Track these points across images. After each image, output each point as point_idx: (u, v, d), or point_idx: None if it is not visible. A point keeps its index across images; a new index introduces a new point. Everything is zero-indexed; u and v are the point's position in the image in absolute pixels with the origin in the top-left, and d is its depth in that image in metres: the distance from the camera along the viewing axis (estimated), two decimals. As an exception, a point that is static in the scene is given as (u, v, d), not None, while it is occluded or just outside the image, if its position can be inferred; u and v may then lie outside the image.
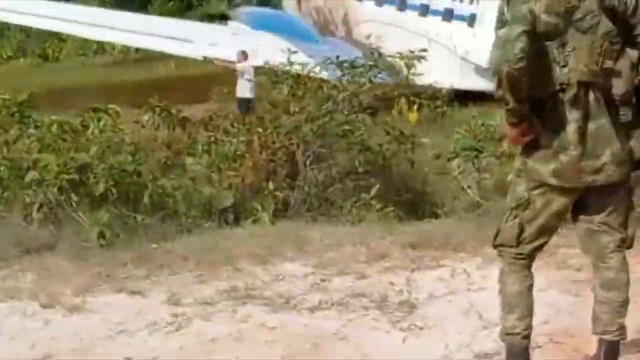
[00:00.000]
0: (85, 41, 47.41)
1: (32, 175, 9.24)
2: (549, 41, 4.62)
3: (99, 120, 9.92)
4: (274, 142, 10.57)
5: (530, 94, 4.61)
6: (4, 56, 47.56)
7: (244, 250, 8.25)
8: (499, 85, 4.56)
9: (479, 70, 25.83)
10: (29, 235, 9.10)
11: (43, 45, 47.71)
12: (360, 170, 10.60)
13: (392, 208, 9.87)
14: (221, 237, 8.89)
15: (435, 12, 27.63)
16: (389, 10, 29.25)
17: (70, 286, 7.50)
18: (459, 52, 26.05)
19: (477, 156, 10.09)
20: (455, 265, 7.54)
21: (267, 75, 12.54)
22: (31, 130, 10.13)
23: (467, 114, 22.27)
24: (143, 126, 10.73)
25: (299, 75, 12.39)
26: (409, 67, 17.33)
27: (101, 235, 8.99)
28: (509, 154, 9.32)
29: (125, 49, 48.16)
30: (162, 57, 40.88)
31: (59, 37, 47.16)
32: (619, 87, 4.68)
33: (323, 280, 7.40)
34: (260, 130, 10.62)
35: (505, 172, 9.51)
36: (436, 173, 10.66)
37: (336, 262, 7.83)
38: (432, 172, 10.97)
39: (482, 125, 10.71)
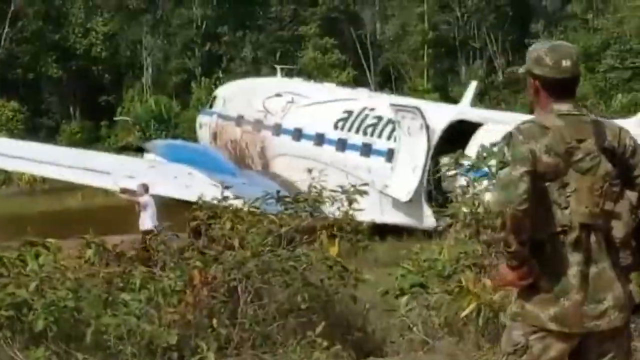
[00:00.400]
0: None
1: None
2: (549, 182, 4.54)
3: (37, 255, 9.54)
4: (215, 278, 10.29)
5: (530, 236, 4.51)
6: None
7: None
8: (502, 227, 4.44)
9: (396, 203, 26.00)
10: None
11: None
12: (302, 306, 10.34)
13: (339, 346, 9.61)
14: (168, 378, 8.55)
15: (353, 147, 27.84)
16: (307, 144, 29.39)
17: None
18: (377, 186, 26.11)
19: (422, 293, 9.92)
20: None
21: (203, 209, 12.30)
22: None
23: (386, 247, 22.37)
24: (86, 261, 10.30)
25: (238, 209, 12.24)
26: (350, 201, 17.25)
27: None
28: (458, 292, 9.20)
29: (33, 180, 47.87)
30: (70, 188, 40.91)
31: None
32: (619, 229, 4.60)
33: None
34: (199, 264, 10.35)
35: (454, 308, 9.40)
36: (382, 310, 10.40)
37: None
38: (376, 308, 10.74)
39: (425, 260, 10.57)
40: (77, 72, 67.86)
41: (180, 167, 28.11)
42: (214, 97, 34.95)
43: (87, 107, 67.26)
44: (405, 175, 25.53)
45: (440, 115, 26.43)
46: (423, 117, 25.32)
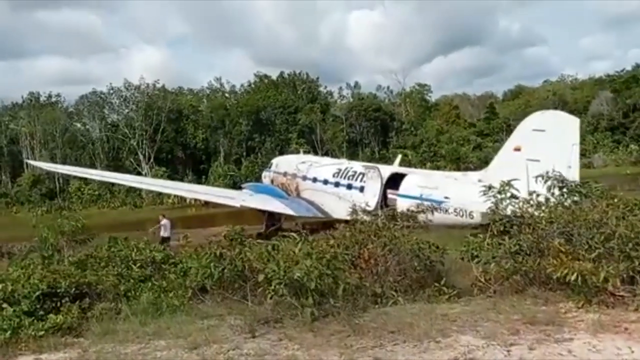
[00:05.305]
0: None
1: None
2: None
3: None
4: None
5: None
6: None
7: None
8: None
9: (364, 210, 23.91)
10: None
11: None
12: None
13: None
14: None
15: (342, 185, 25.75)
16: (319, 184, 27.20)
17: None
18: (356, 203, 23.93)
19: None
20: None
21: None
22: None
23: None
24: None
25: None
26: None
27: (312, 314, 6.30)
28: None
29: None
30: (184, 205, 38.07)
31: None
32: None
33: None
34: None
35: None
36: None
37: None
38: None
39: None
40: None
41: (263, 195, 25.87)
42: (270, 163, 32.42)
43: (195, 171, 63.37)
44: (371, 198, 23.50)
45: (386, 170, 24.47)
46: (379, 171, 23.45)
